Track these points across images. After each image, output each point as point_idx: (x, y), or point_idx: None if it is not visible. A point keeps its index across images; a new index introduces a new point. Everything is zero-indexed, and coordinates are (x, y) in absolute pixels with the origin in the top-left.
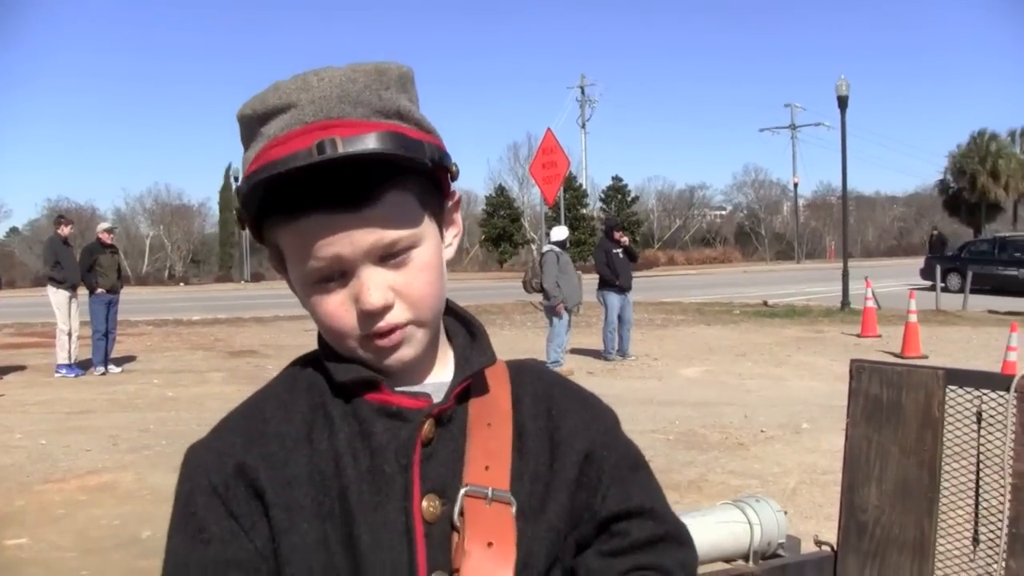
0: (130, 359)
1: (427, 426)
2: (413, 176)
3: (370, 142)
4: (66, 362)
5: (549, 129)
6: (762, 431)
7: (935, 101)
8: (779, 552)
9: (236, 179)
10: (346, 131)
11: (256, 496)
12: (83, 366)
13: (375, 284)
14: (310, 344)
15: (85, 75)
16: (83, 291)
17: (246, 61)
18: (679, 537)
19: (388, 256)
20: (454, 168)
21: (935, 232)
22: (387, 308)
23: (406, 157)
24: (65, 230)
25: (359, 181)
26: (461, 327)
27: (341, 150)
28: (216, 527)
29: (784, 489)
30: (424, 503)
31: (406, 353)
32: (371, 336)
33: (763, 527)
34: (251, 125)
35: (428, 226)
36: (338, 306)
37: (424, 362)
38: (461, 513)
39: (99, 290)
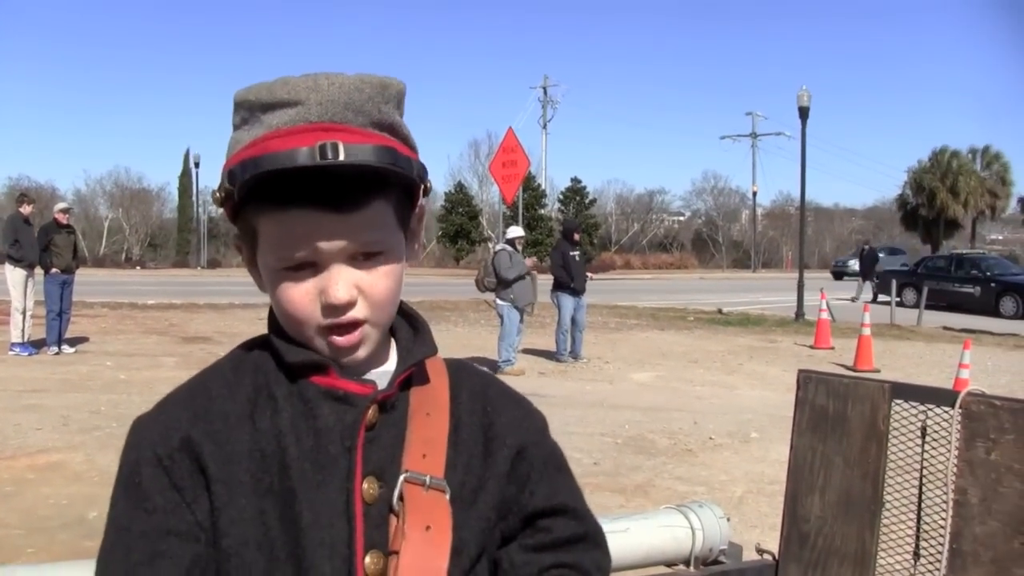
0: (84, 340)
1: (371, 411)
2: (394, 188)
3: (369, 153)
4: (19, 340)
5: (511, 128)
6: (711, 438)
7: (897, 116)
8: (720, 559)
9: (196, 165)
10: (347, 137)
11: (199, 470)
12: (37, 345)
13: (343, 280)
14: (264, 332)
15: (49, 56)
16: (40, 270)
17: (210, 50)
18: (596, 538)
19: (359, 257)
20: (429, 185)
21: (867, 246)
22: (351, 304)
23: (397, 173)
24: (27, 209)
25: (349, 186)
26: (404, 321)
27: (342, 156)
28: (159, 497)
29: (731, 497)
30: (364, 485)
31: (360, 354)
32: (330, 330)
33: (705, 533)
34: (252, 110)
35: (398, 235)
36: (303, 295)
37: (373, 353)
38: (400, 497)
39: (53, 270)
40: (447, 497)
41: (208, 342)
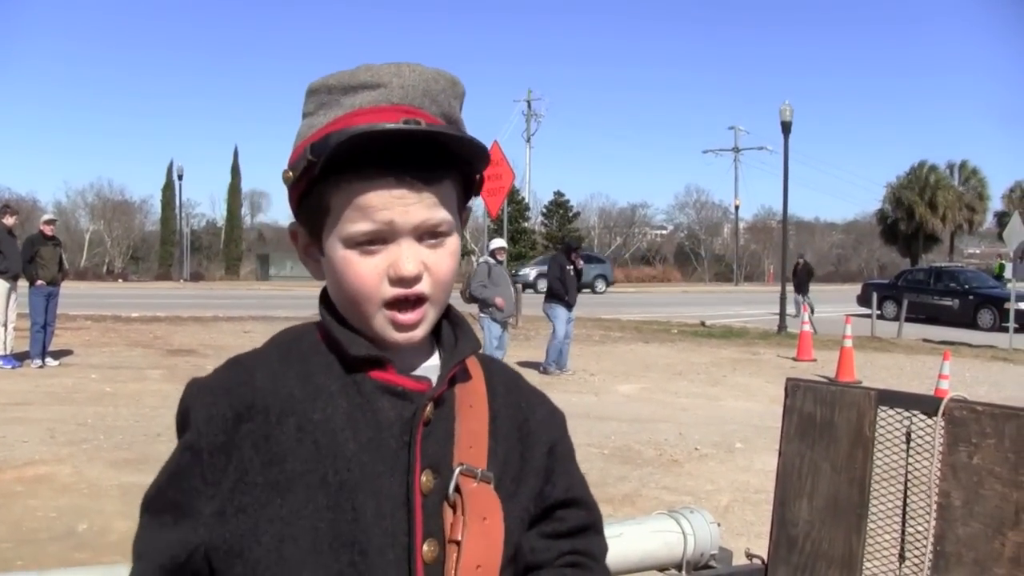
0: (68, 353)
1: (428, 408)
2: (459, 175)
3: (447, 130)
4: (2, 353)
5: (496, 142)
6: (696, 449)
7: (877, 131)
8: (711, 563)
9: (180, 177)
10: (425, 119)
11: (236, 471)
12: (20, 358)
13: (413, 255)
14: (249, 345)
15: (30, 67)
16: (23, 282)
17: (192, 62)
18: (599, 527)
19: (428, 235)
20: (481, 182)
21: (801, 260)
22: (418, 278)
23: (481, 153)
24: (10, 220)
25: (426, 163)
26: (447, 320)
27: (425, 128)
28: (185, 482)
29: (716, 506)
30: (423, 477)
31: (418, 333)
32: (393, 307)
33: (696, 538)
34: (332, 94)
35: (458, 221)
36: (372, 269)
37: (418, 349)
38: (456, 489)
39: (39, 282)
40: (493, 488)
41: (193, 354)
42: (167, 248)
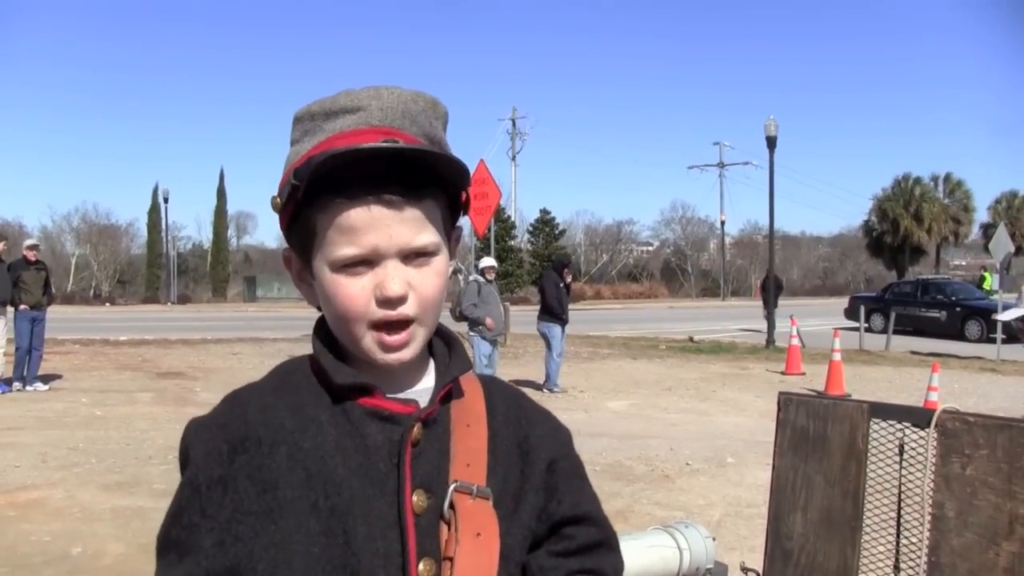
0: (57, 377)
1: (416, 429)
2: (443, 195)
3: (433, 148)
4: None
5: (482, 160)
6: (687, 464)
7: (862, 144)
8: None
9: (165, 200)
10: (405, 140)
11: (231, 504)
12: (7, 382)
13: (398, 275)
14: (237, 367)
15: (12, 90)
16: (11, 308)
17: (176, 84)
18: (612, 543)
19: (413, 256)
20: (468, 200)
21: (770, 275)
22: (403, 299)
23: (456, 168)
24: None
25: (407, 183)
26: (440, 341)
27: (408, 148)
28: (186, 517)
29: (709, 521)
30: (414, 497)
31: (405, 354)
32: (381, 328)
33: (692, 552)
34: (315, 120)
35: (444, 241)
36: (359, 291)
37: (409, 371)
38: (451, 506)
39: (22, 306)
40: (491, 504)
41: (182, 377)
42: (154, 271)
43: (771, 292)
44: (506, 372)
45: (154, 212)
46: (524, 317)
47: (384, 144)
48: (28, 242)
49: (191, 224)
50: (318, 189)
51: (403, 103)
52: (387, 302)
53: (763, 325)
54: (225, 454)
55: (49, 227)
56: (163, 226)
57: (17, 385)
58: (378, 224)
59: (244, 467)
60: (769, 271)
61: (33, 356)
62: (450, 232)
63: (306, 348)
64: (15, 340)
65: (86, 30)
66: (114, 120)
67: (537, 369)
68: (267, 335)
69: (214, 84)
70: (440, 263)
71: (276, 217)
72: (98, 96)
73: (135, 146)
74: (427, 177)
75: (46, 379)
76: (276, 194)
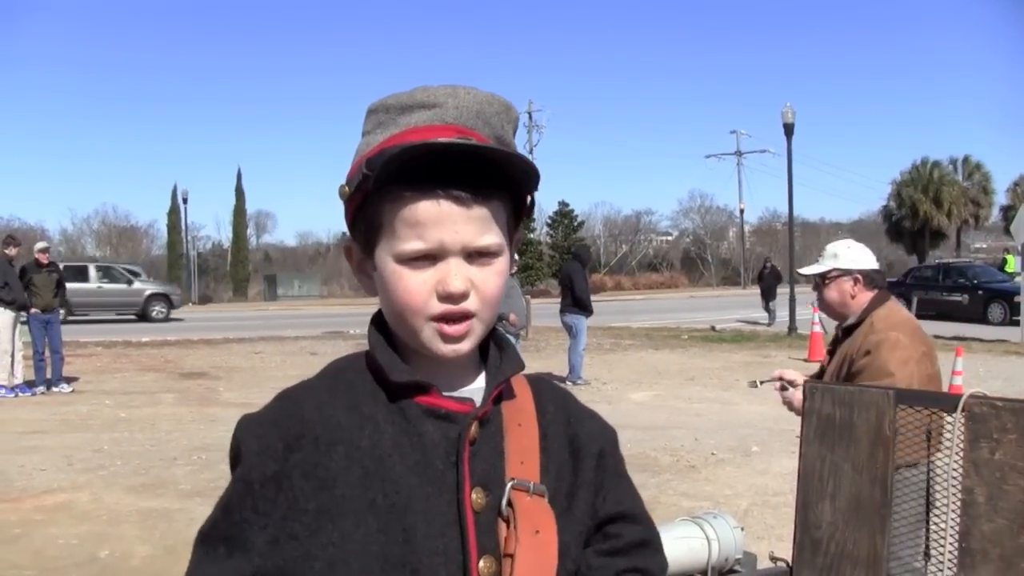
0: (81, 380)
1: (473, 428)
2: (509, 197)
3: (506, 149)
4: (5, 383)
5: None
6: (713, 454)
7: (880, 129)
8: (736, 568)
9: (184, 200)
10: (477, 139)
11: (286, 502)
12: (31, 386)
13: (460, 272)
14: (260, 366)
15: (30, 94)
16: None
17: (194, 85)
18: (657, 543)
19: (476, 255)
20: (533, 204)
21: (768, 264)
22: (465, 295)
23: (531, 173)
24: (12, 251)
25: (477, 181)
26: (491, 342)
27: (482, 146)
28: (237, 514)
29: (736, 511)
30: (473, 495)
31: (464, 346)
32: (440, 320)
33: (720, 543)
34: (389, 113)
35: (507, 242)
36: (421, 284)
37: (462, 369)
38: (509, 504)
39: (33, 310)
40: (547, 501)
41: (205, 377)
42: (174, 272)
43: (770, 283)
44: (529, 365)
45: (174, 213)
46: (545, 310)
47: (459, 141)
48: (39, 245)
49: (210, 224)
50: (389, 180)
51: (478, 103)
52: (449, 297)
53: (783, 313)
54: (280, 451)
55: (69, 230)
56: (183, 227)
57: (40, 388)
58: (445, 220)
59: (299, 465)
60: (767, 261)
61: (54, 359)
62: (513, 234)
63: (327, 345)
64: (32, 344)
65: (102, 33)
66: (132, 122)
67: (560, 362)
68: (288, 334)
69: (230, 84)
70: (502, 263)
71: (297, 214)
72: (115, 99)
73: (153, 148)
74: (496, 178)
75: (69, 381)
76: (345, 183)
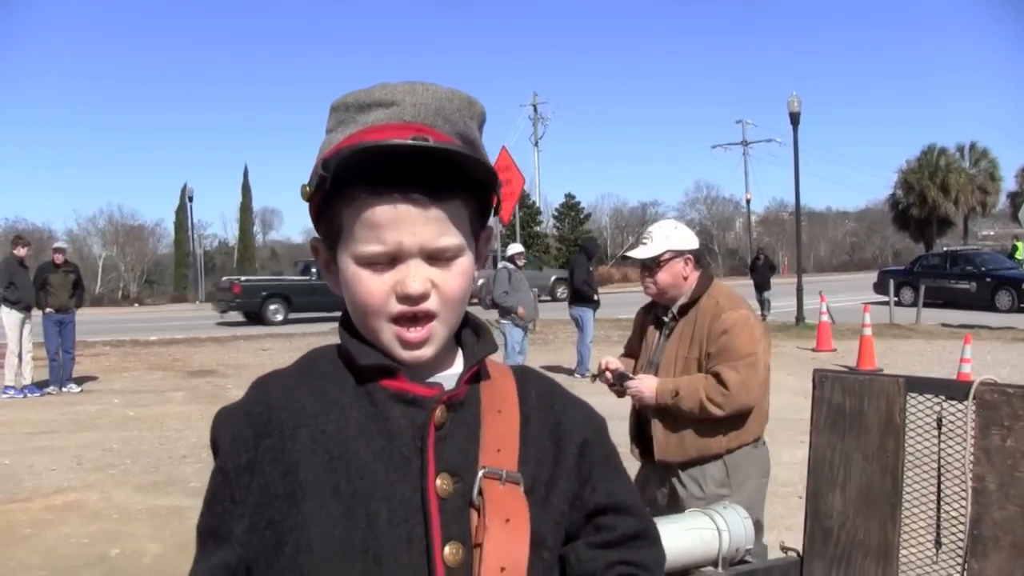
0: (89, 379)
1: (439, 412)
2: (472, 196)
3: (461, 148)
4: (12, 384)
5: (504, 147)
6: None
7: (886, 117)
8: (747, 558)
9: (190, 199)
10: (436, 138)
11: (260, 487)
12: (41, 386)
13: (420, 274)
14: (268, 363)
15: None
16: (38, 313)
17: (199, 84)
18: (653, 535)
19: (436, 256)
20: (499, 201)
21: (761, 255)
22: (424, 297)
23: (485, 170)
24: (21, 251)
25: (435, 181)
26: (468, 328)
27: (432, 144)
28: (218, 505)
29: None
30: (438, 481)
31: (426, 352)
32: (400, 322)
33: (731, 533)
34: (349, 111)
35: (471, 241)
36: (380, 285)
37: (438, 358)
38: (480, 492)
39: (48, 309)
40: (522, 490)
41: (213, 375)
42: (181, 271)
43: (764, 273)
44: (537, 358)
45: (181, 211)
46: (552, 303)
47: (410, 142)
48: (55, 245)
49: (216, 222)
50: (346, 182)
51: (437, 100)
52: (408, 299)
53: (791, 303)
54: (251, 439)
55: (75, 230)
56: (189, 225)
57: (52, 389)
58: (402, 222)
59: (269, 451)
60: (760, 252)
61: (65, 359)
62: (479, 233)
63: (334, 341)
64: (45, 345)
65: (107, 33)
66: (135, 122)
67: (568, 354)
68: (296, 330)
69: (234, 81)
70: (464, 263)
71: (303, 211)
72: (118, 98)
73: (157, 147)
74: (455, 177)
75: (78, 381)
76: (307, 182)
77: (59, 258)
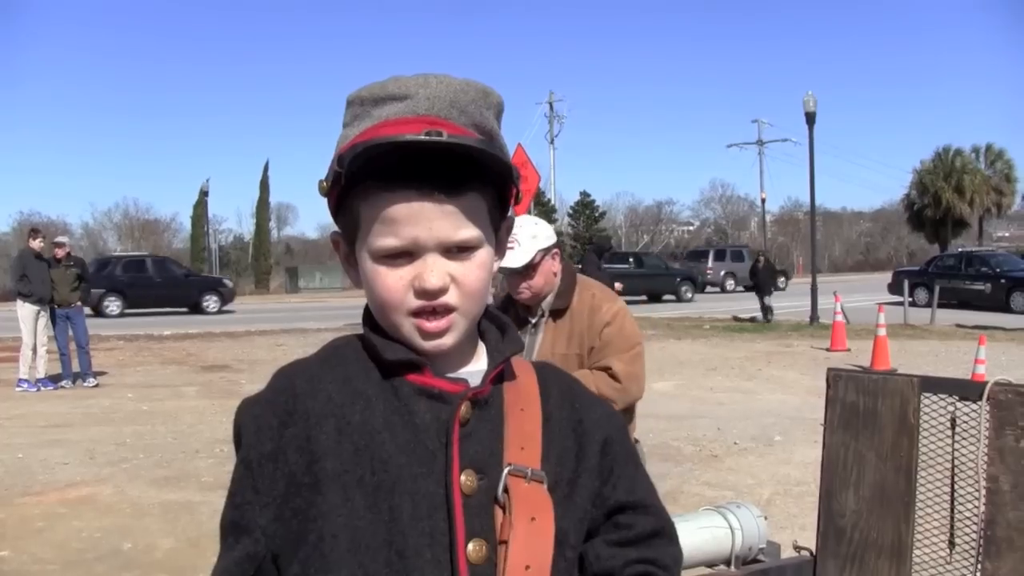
0: (102, 373)
1: (464, 408)
2: (490, 188)
3: (470, 141)
4: (26, 377)
5: (520, 144)
6: (735, 443)
7: (902, 118)
8: (760, 557)
9: (205, 194)
10: (451, 130)
11: (284, 476)
12: (55, 380)
13: (437, 268)
14: (283, 359)
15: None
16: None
17: (215, 79)
18: (672, 533)
19: (454, 250)
20: (519, 192)
21: (761, 258)
22: (443, 291)
23: (493, 165)
24: (37, 244)
25: (450, 175)
26: (492, 325)
27: (446, 139)
28: (239, 496)
29: (759, 500)
30: (463, 477)
31: (446, 341)
32: (420, 315)
33: (744, 532)
34: (364, 105)
35: (490, 233)
36: (398, 280)
37: (460, 353)
38: (505, 489)
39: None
40: (546, 488)
41: (227, 370)
42: (197, 265)
43: (764, 277)
44: None
45: (199, 207)
46: None
47: (423, 137)
48: (56, 239)
49: (231, 217)
50: (361, 177)
51: (451, 92)
52: (425, 293)
53: (805, 302)
54: (275, 428)
55: (91, 224)
56: (205, 220)
57: (66, 383)
58: (418, 217)
59: (294, 439)
60: (759, 255)
61: (79, 353)
62: (498, 224)
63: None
64: (56, 340)
65: (126, 27)
66: (152, 117)
67: None
68: (311, 326)
69: (251, 78)
70: (483, 256)
71: (318, 206)
72: (136, 92)
73: (175, 142)
74: (471, 169)
75: (96, 375)
76: (324, 177)
77: (60, 253)
